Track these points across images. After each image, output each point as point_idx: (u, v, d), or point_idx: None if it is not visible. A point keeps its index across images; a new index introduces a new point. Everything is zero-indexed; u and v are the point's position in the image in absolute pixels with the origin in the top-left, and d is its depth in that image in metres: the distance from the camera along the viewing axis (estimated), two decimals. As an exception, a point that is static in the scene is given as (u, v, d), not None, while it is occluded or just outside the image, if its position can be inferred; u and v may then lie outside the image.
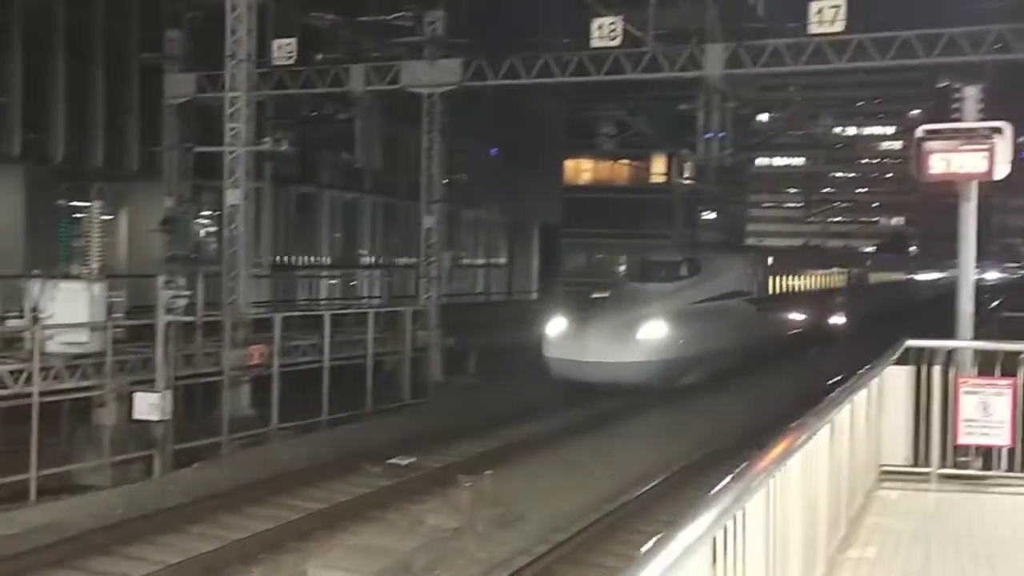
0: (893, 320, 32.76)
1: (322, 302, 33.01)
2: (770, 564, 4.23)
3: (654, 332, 21.80)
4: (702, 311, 23.62)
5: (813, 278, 34.06)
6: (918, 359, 8.23)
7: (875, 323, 35.44)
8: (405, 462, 15.47)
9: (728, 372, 24.10)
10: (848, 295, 38.08)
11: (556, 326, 22.61)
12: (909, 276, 59.93)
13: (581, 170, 61.20)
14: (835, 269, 38.11)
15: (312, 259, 37.14)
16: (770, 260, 30.09)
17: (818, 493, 5.54)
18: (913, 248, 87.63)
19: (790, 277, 30.90)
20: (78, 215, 17.92)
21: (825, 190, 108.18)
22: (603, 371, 21.17)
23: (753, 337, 25.68)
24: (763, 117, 74.15)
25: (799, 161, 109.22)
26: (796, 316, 30.83)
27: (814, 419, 5.38)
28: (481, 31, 27.89)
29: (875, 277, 46.46)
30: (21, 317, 16.81)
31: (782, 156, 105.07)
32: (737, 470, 3.72)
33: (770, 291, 28.57)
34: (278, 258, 34.55)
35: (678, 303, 23.33)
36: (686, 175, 56.72)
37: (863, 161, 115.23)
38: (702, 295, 24.22)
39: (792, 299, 30.74)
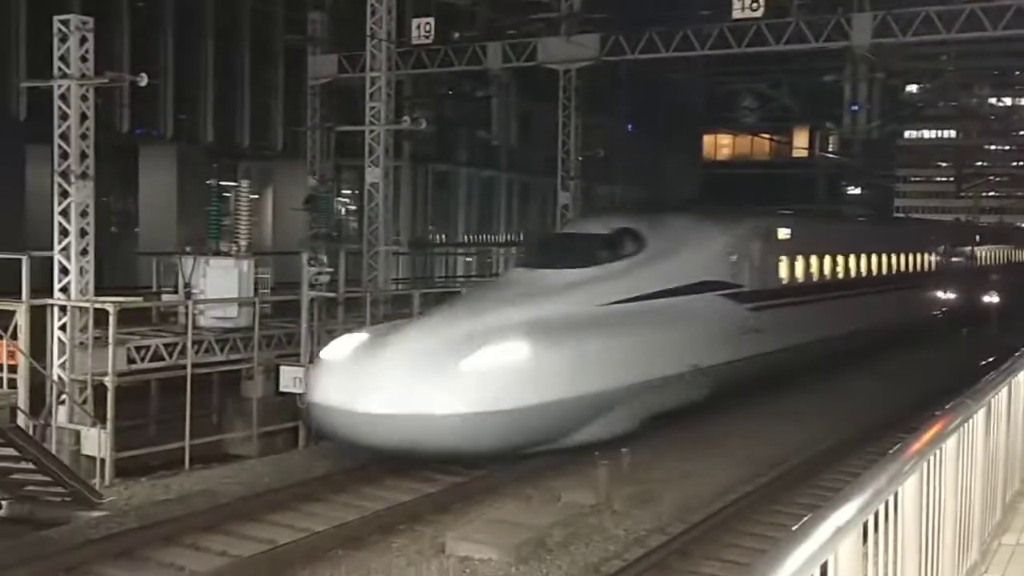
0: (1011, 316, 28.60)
1: (459, 279, 33.41)
2: (922, 548, 4.08)
3: (498, 359, 13.01)
4: (629, 315, 15.20)
5: (868, 260, 24.34)
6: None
7: (985, 320, 30.40)
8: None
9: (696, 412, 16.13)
10: (934, 283, 29.47)
11: (340, 347, 14.08)
12: None
13: (720, 145, 60.21)
14: (912, 247, 28.09)
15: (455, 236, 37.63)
16: (781, 233, 20.00)
17: (973, 477, 5.32)
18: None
19: (824, 259, 21.64)
20: (226, 194, 18.57)
21: (978, 164, 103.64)
22: (390, 431, 12.53)
23: (739, 354, 17.06)
24: (912, 88, 71.36)
25: (951, 133, 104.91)
26: (831, 317, 21.38)
27: (970, 401, 5.16)
28: (618, 5, 27.61)
29: (990, 257, 37.34)
30: (175, 292, 17.57)
31: (932, 128, 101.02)
32: (890, 452, 3.60)
33: (780, 281, 19.46)
34: (416, 235, 35.11)
35: (583, 302, 15.01)
36: (830, 149, 55.15)
37: (1021, 133, 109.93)
38: (637, 288, 15.68)
39: (828, 291, 21.53)
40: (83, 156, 15.24)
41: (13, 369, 14.17)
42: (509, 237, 39.65)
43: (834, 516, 2.78)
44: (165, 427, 16.17)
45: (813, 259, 21.01)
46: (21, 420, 13.16)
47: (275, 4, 30.86)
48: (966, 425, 4.95)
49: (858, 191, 60.80)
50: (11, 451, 11.72)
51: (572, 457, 14.04)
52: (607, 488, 12.03)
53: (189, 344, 15.81)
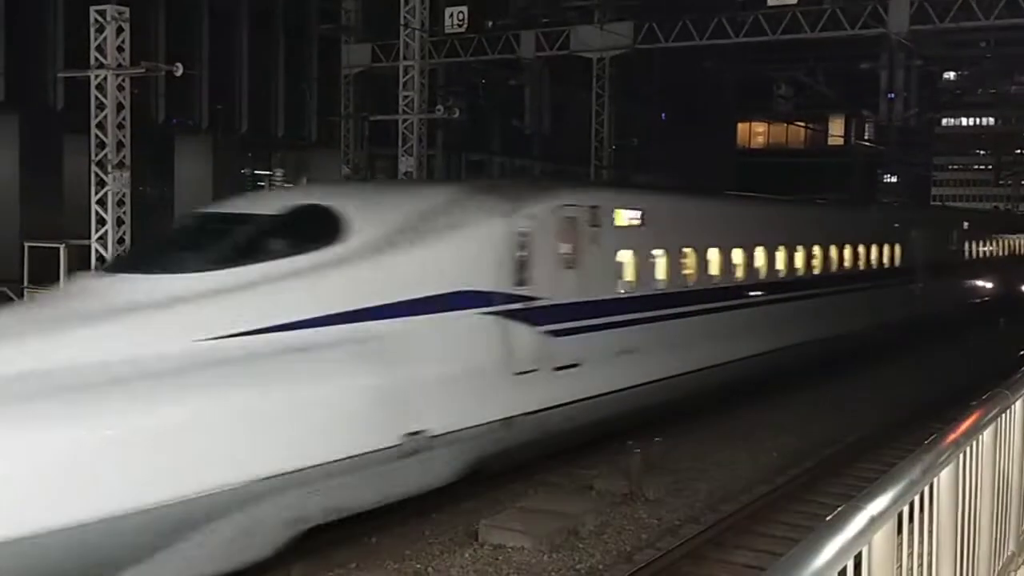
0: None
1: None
2: (957, 539, 4.05)
3: None
4: (272, 354, 8.83)
5: (787, 256, 17.89)
6: None
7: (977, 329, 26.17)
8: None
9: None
10: (901, 283, 22.68)
11: None
12: None
13: (755, 133, 59.93)
14: (854, 233, 20.74)
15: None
16: (623, 217, 13.51)
17: (1011, 468, 5.27)
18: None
19: (709, 255, 15.46)
20: (261, 183, 18.71)
21: (1017, 151, 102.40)
22: None
23: (523, 405, 11.23)
24: (950, 75, 70.63)
25: (989, 121, 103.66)
26: (718, 336, 15.57)
27: (1007, 392, 5.11)
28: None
29: (986, 249, 29.02)
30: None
31: (970, 116, 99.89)
32: (926, 442, 3.58)
33: (618, 288, 13.48)
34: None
35: (170, 333, 8.53)
36: (866, 137, 54.70)
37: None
38: (311, 306, 9.38)
39: (715, 299, 15.61)
40: (120, 146, 15.40)
41: (52, 356, 14.34)
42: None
43: (869, 506, 2.78)
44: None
45: (689, 255, 15.00)
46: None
47: (309, -6, 30.99)
48: (1003, 416, 4.91)
49: (894, 179, 60.23)
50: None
51: (604, 445, 14.05)
52: (640, 477, 12.02)
53: (224, 332, 15.90)
